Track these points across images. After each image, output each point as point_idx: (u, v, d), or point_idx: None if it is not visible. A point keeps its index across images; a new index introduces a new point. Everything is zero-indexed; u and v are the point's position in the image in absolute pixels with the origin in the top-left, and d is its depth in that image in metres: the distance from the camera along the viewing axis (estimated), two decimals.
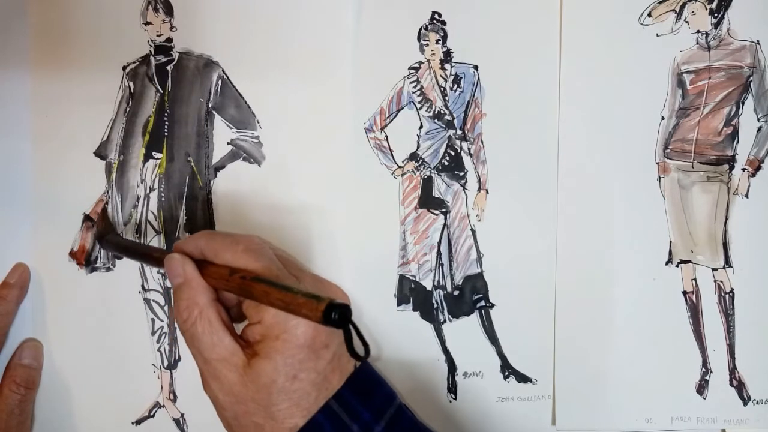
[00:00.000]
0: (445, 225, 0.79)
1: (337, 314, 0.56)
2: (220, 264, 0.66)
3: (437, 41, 0.78)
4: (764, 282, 0.79)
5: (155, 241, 0.79)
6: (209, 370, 0.64)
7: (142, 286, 0.79)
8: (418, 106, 0.78)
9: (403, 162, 0.78)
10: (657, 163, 0.78)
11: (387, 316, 0.78)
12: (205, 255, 0.67)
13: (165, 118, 0.78)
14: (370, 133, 0.78)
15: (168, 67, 0.78)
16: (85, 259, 0.78)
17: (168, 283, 0.78)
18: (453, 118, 0.78)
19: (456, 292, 0.79)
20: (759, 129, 0.78)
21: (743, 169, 0.79)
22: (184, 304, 0.65)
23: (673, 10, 0.78)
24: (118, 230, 0.78)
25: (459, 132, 0.78)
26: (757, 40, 0.78)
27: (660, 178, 0.78)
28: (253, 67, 0.78)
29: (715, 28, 0.78)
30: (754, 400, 0.79)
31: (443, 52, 0.78)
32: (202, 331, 0.64)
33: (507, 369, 0.79)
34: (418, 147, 0.78)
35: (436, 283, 0.79)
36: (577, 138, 0.78)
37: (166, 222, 0.79)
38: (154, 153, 0.78)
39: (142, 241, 0.79)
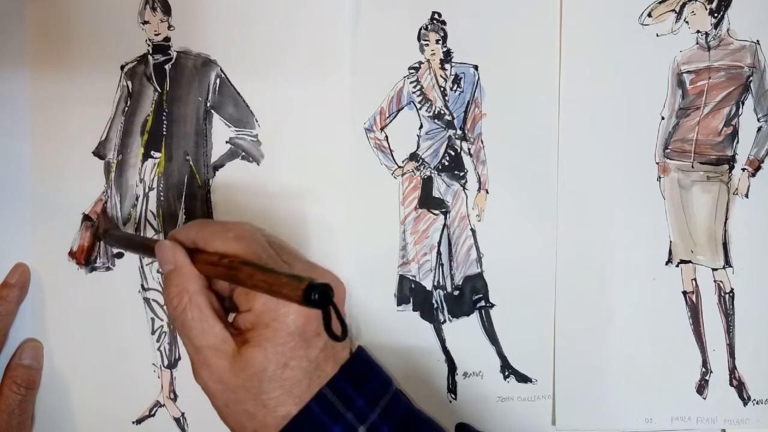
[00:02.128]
0: (445, 225, 0.79)
1: (316, 294, 0.55)
2: (211, 251, 0.65)
3: (437, 41, 0.77)
4: (764, 282, 0.79)
5: None
6: (199, 358, 0.64)
7: (142, 286, 0.79)
8: (418, 106, 0.78)
9: (403, 162, 0.78)
10: (657, 163, 0.78)
11: (387, 316, 0.78)
12: (197, 243, 0.67)
13: (163, 118, 0.78)
14: (370, 133, 0.78)
15: (166, 66, 0.78)
16: (84, 259, 0.78)
17: None
18: (453, 118, 0.78)
19: (456, 292, 0.79)
20: (759, 129, 0.78)
21: (743, 169, 0.79)
22: (174, 290, 0.65)
23: (673, 10, 0.78)
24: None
25: (459, 132, 0.78)
26: (757, 40, 0.78)
27: (660, 178, 0.79)
28: (251, 66, 0.78)
29: (715, 28, 0.78)
30: (754, 400, 0.80)
31: (443, 52, 0.78)
32: (192, 318, 0.64)
33: (507, 369, 0.79)
34: (418, 147, 0.78)
35: (436, 283, 0.79)
36: (577, 138, 0.78)
37: (166, 221, 0.79)
38: (152, 152, 0.78)
39: None
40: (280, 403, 0.62)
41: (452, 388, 0.79)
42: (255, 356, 0.62)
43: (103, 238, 0.78)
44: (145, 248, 0.72)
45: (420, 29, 0.77)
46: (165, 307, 0.67)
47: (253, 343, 0.62)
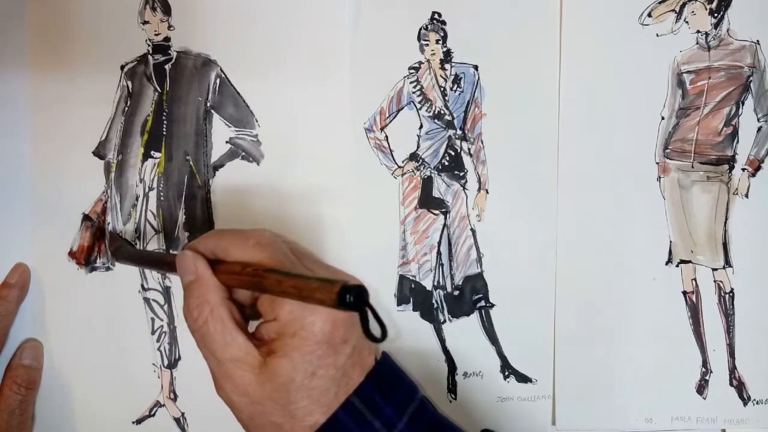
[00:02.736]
0: (445, 225, 0.79)
1: (352, 296, 0.53)
2: (232, 261, 0.63)
3: (437, 41, 0.77)
4: (764, 282, 0.79)
5: (154, 241, 0.79)
6: (222, 371, 0.62)
7: (142, 286, 0.79)
8: (418, 106, 0.78)
9: (403, 162, 0.78)
10: (657, 163, 0.79)
11: (387, 316, 0.78)
12: (216, 254, 0.65)
13: (163, 118, 0.78)
14: (370, 133, 0.78)
15: (166, 66, 0.78)
16: (84, 259, 0.78)
17: (168, 282, 0.78)
18: (453, 118, 0.78)
19: (456, 292, 0.79)
20: (759, 129, 0.79)
21: (743, 169, 0.79)
22: (195, 302, 0.63)
23: (673, 10, 0.78)
24: (118, 230, 0.78)
25: (459, 132, 0.78)
26: (757, 40, 0.78)
27: (660, 178, 0.79)
28: (251, 66, 0.78)
29: (715, 28, 0.78)
30: (754, 400, 0.80)
31: (443, 52, 0.78)
32: (214, 330, 0.62)
33: (507, 369, 0.79)
34: (418, 147, 0.78)
35: (436, 283, 0.79)
36: (577, 138, 0.78)
37: (166, 221, 0.79)
38: (152, 152, 0.78)
39: (141, 241, 0.79)
40: (308, 412, 0.61)
41: (452, 388, 0.79)
42: (282, 366, 0.60)
43: (114, 256, 0.78)
44: (159, 263, 0.72)
45: (420, 29, 0.77)
46: (184, 319, 0.64)
47: (280, 353, 0.61)
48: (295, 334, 0.60)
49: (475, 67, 0.78)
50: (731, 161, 0.79)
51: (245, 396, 0.61)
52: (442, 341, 0.79)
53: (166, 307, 0.79)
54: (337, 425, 0.61)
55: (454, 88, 0.78)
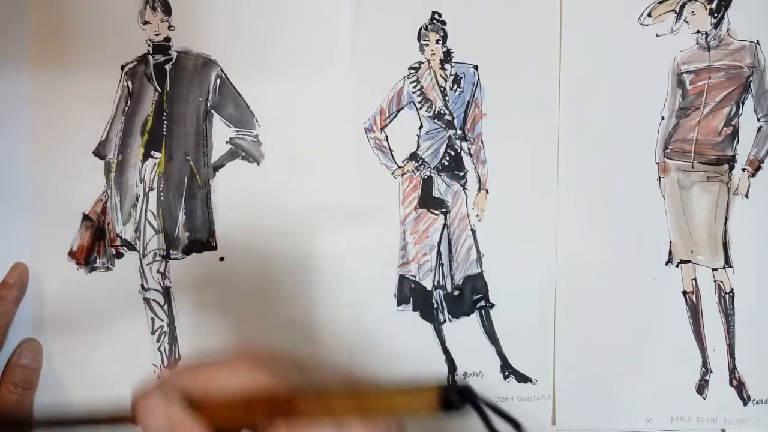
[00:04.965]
0: (445, 225, 0.79)
1: (455, 396, 0.44)
2: (225, 395, 0.48)
3: (437, 41, 0.77)
4: (764, 282, 0.79)
5: (154, 240, 0.79)
6: None
7: (142, 286, 0.79)
8: (418, 106, 0.78)
9: (403, 162, 0.78)
10: (657, 163, 0.79)
11: (387, 316, 0.78)
12: (191, 394, 0.49)
13: (164, 118, 0.78)
14: (370, 133, 0.78)
15: (166, 67, 0.78)
16: (84, 259, 0.78)
17: (168, 283, 0.78)
18: (453, 118, 0.78)
19: (456, 292, 0.79)
20: (759, 129, 0.79)
21: (743, 169, 0.79)
22: None
23: (673, 10, 0.78)
24: (118, 229, 0.78)
25: (459, 132, 0.79)
26: (757, 40, 0.78)
27: (660, 178, 0.79)
28: (251, 66, 0.78)
29: (715, 28, 0.78)
30: (754, 400, 0.80)
31: (443, 52, 0.78)
32: None
33: (507, 369, 0.79)
34: (418, 147, 0.79)
35: (436, 283, 0.79)
36: (577, 138, 0.78)
37: (166, 221, 0.79)
38: (152, 152, 0.78)
39: (141, 242, 0.78)
40: None
41: None
42: None
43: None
44: (101, 421, 0.55)
45: (420, 29, 0.78)
46: None
47: None
48: None
49: (475, 67, 0.78)
50: (731, 161, 0.79)
51: None
52: (442, 341, 0.79)
53: (166, 307, 0.79)
54: None
55: (454, 88, 0.78)
